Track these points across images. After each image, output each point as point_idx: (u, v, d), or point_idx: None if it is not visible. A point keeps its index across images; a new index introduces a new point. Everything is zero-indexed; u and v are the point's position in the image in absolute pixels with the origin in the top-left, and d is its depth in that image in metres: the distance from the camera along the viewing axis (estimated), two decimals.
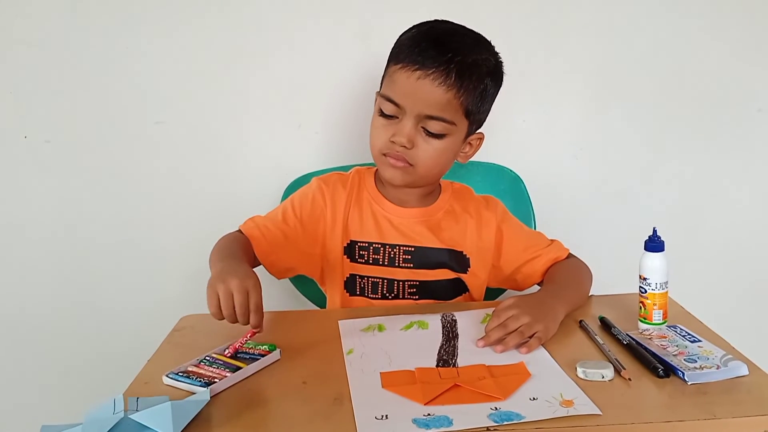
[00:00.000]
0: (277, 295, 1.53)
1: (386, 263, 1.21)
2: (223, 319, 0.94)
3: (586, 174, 1.62)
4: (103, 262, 1.58)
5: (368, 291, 1.22)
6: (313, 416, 0.81)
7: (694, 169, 1.64)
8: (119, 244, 1.57)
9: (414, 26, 1.17)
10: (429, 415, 0.78)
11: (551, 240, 1.26)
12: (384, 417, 0.78)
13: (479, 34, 1.17)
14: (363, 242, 1.21)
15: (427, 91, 1.09)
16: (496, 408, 0.79)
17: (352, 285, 1.22)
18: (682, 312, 1.09)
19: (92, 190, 1.55)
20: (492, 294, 1.33)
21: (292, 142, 1.55)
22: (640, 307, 1.02)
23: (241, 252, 1.10)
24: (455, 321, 1.07)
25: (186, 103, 1.53)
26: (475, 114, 1.16)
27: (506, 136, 1.59)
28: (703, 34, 1.58)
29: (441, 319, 1.07)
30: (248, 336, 0.96)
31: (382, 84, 1.19)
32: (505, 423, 0.76)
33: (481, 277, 1.24)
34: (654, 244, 1.01)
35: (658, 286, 1.00)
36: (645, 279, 1.01)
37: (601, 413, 0.77)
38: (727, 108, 1.62)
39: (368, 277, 1.21)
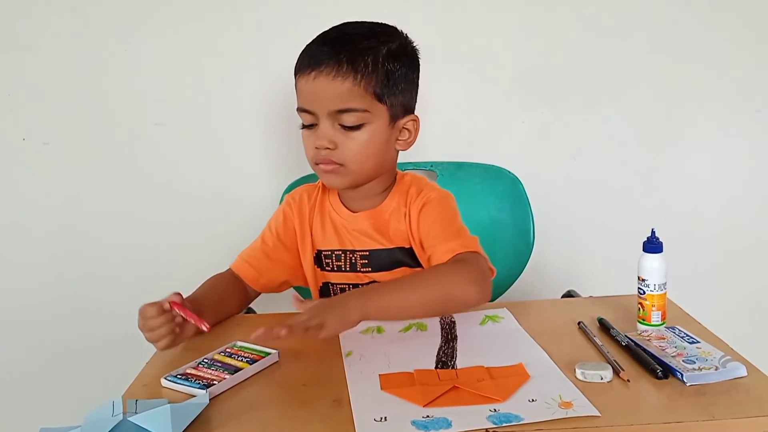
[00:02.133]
0: (276, 298, 1.53)
1: (348, 269, 1.22)
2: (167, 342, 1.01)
3: (584, 175, 1.62)
4: (102, 263, 1.58)
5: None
6: (313, 418, 0.80)
7: (692, 169, 1.65)
8: (118, 246, 1.57)
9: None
10: (428, 417, 0.78)
11: (468, 237, 1.14)
12: (383, 419, 0.78)
13: (378, 24, 1.17)
14: (327, 251, 1.23)
15: (326, 87, 1.10)
16: (495, 410, 0.79)
17: (325, 292, 1.25)
18: (680, 313, 1.09)
19: (91, 192, 1.55)
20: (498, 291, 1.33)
21: (292, 143, 1.55)
22: (639, 309, 1.02)
23: (203, 298, 1.15)
24: (454, 323, 1.07)
25: (185, 105, 1.53)
26: (390, 97, 1.13)
27: (505, 137, 1.59)
28: (701, 35, 1.58)
29: (440, 321, 1.07)
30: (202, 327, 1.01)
31: None
32: (504, 425, 0.76)
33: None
34: (652, 245, 1.01)
35: (657, 287, 1.00)
36: (643, 280, 1.01)
37: (599, 414, 0.77)
38: (726, 108, 1.62)
39: (337, 284, 1.23)
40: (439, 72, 1.48)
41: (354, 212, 1.22)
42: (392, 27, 1.17)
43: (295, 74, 1.15)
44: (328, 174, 1.15)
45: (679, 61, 1.59)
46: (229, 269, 1.25)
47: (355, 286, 1.22)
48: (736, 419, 0.77)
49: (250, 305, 1.35)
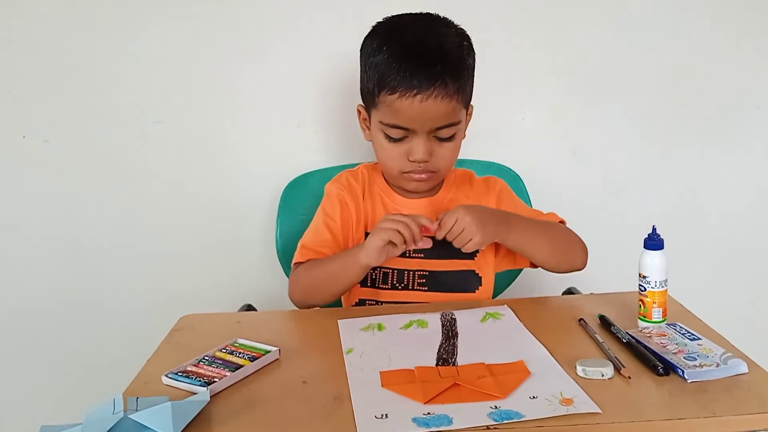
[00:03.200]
0: (277, 294, 1.53)
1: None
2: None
3: (585, 172, 1.62)
4: (102, 261, 1.58)
5: (379, 281, 1.23)
6: (313, 416, 0.81)
7: (693, 166, 1.65)
8: (118, 244, 1.57)
9: (378, 39, 1.15)
10: (429, 414, 0.78)
11: (547, 213, 1.27)
12: (384, 416, 0.78)
13: (436, 16, 1.18)
14: None
15: (434, 109, 1.11)
16: (495, 407, 0.79)
17: (365, 277, 1.22)
18: (681, 310, 1.09)
19: (91, 190, 1.55)
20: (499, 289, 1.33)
21: (291, 142, 1.55)
22: (640, 306, 1.02)
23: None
24: (455, 320, 1.07)
25: (184, 103, 1.52)
26: (470, 98, 1.20)
27: (505, 134, 1.59)
28: (701, 31, 1.58)
29: (441, 318, 1.07)
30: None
31: (372, 106, 1.17)
32: (506, 421, 0.76)
33: (489, 259, 1.25)
34: (653, 242, 1.01)
35: (658, 284, 1.00)
36: (644, 277, 1.01)
37: (600, 411, 0.77)
38: (726, 105, 1.62)
39: (380, 267, 1.22)
40: None
41: (409, 199, 1.25)
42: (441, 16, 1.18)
43: (388, 91, 1.12)
44: (419, 182, 1.20)
45: (679, 58, 1.59)
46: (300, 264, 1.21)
47: (401, 273, 1.22)
48: (737, 416, 0.77)
49: (251, 303, 1.35)
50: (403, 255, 1.20)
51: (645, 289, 1.01)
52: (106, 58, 1.49)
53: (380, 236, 1.08)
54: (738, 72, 1.61)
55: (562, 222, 1.26)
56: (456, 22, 1.18)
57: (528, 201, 1.44)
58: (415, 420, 0.77)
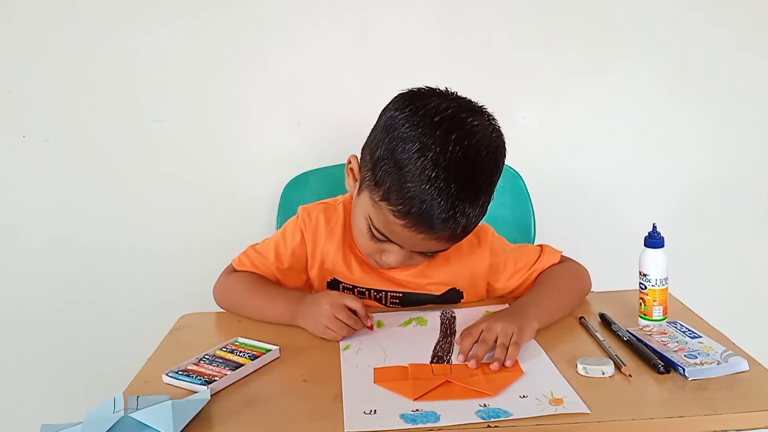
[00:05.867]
0: None
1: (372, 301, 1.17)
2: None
3: (585, 170, 1.62)
4: (103, 261, 1.58)
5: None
6: (314, 414, 0.81)
7: (694, 164, 1.64)
8: (119, 243, 1.57)
9: (412, 132, 0.96)
10: (417, 410, 0.79)
11: (540, 247, 1.19)
12: (372, 412, 0.79)
13: (495, 144, 1.04)
14: (347, 284, 1.16)
15: (432, 246, 1.01)
16: (484, 405, 0.79)
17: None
18: (682, 308, 1.09)
19: (91, 190, 1.55)
20: None
21: (292, 141, 1.55)
22: (640, 304, 1.02)
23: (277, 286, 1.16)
24: (454, 318, 1.07)
25: (185, 102, 1.52)
26: None
27: (505, 132, 1.57)
28: (703, 29, 1.58)
29: (440, 316, 1.07)
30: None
31: (370, 189, 1.01)
32: (493, 419, 0.76)
33: (480, 291, 1.19)
34: (654, 240, 1.01)
35: (658, 282, 1.00)
36: (645, 275, 1.01)
37: (589, 412, 0.77)
38: (727, 104, 1.62)
39: (355, 286, 1.16)
40: (439, 66, 1.48)
41: None
42: (498, 129, 1.07)
43: (392, 211, 0.97)
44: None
45: (679, 56, 1.58)
46: (246, 271, 1.17)
47: (378, 293, 1.16)
48: (737, 414, 0.77)
49: None
50: (378, 303, 1.17)
51: (645, 287, 1.01)
52: (106, 57, 1.49)
53: (322, 328, 1.01)
54: (740, 69, 1.60)
55: (560, 257, 1.17)
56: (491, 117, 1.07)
57: (528, 200, 1.43)
58: (402, 416, 0.77)
